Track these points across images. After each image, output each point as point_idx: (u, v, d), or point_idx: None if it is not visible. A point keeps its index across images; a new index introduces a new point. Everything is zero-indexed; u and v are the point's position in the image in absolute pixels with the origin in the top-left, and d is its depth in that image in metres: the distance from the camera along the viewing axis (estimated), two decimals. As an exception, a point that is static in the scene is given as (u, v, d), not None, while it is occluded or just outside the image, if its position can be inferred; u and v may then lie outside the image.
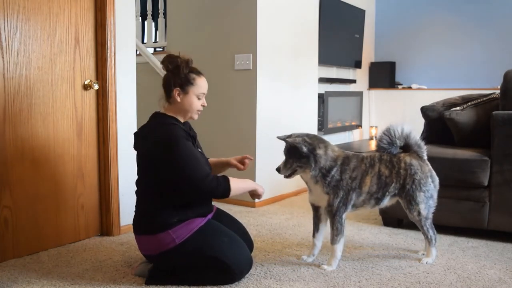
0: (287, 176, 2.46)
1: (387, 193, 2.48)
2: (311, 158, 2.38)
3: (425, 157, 2.56)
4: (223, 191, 2.21)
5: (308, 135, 2.44)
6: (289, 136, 2.45)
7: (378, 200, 2.49)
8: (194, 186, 2.18)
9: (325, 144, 2.43)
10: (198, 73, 2.32)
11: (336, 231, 2.44)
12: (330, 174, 2.40)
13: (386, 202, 2.53)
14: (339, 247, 2.46)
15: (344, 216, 2.44)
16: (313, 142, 2.40)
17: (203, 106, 2.35)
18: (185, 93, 2.27)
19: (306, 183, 2.49)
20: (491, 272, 2.46)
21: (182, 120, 2.34)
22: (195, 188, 2.19)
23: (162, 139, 2.20)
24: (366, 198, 2.46)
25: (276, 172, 2.47)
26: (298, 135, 2.43)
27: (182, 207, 2.23)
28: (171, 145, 2.17)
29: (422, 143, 2.57)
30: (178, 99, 2.27)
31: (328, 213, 2.46)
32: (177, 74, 2.27)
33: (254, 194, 2.43)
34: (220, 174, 2.31)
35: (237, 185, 2.27)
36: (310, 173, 2.41)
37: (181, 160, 2.16)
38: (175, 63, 2.27)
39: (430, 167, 2.55)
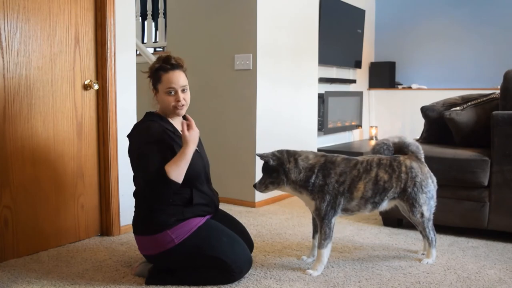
0: (262, 191, 2.48)
1: (386, 198, 2.46)
2: (280, 172, 2.39)
3: (423, 159, 2.56)
4: (167, 188, 2.13)
5: (278, 150, 2.45)
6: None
7: (376, 204, 2.46)
8: (140, 189, 2.24)
9: (296, 157, 2.41)
10: (167, 68, 2.26)
11: (324, 235, 2.40)
12: (310, 182, 2.39)
13: (385, 205, 2.51)
14: (326, 252, 2.42)
15: (333, 220, 2.41)
16: (281, 156, 2.41)
17: (178, 101, 2.25)
18: (157, 91, 2.31)
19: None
20: (491, 272, 2.46)
21: (172, 117, 2.34)
22: (142, 192, 2.24)
23: (133, 136, 2.28)
24: (360, 203, 2.43)
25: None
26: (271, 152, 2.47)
27: (178, 207, 2.23)
28: (133, 144, 2.26)
29: (419, 145, 2.57)
30: (156, 98, 2.33)
31: (317, 217, 2.43)
32: (150, 75, 2.33)
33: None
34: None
35: (177, 167, 2.14)
36: (285, 188, 2.44)
37: (134, 161, 2.25)
38: (152, 65, 2.32)
39: (428, 168, 2.55)
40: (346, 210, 2.46)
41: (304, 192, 2.42)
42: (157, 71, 2.28)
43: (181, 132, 2.31)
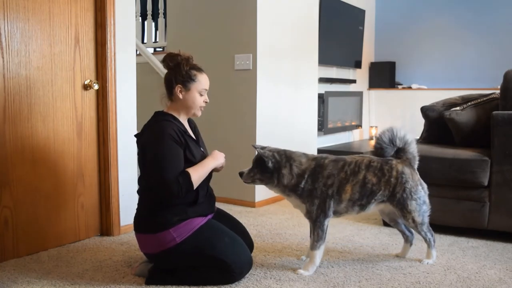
0: (247, 183, 2.46)
1: (373, 200, 2.43)
2: (274, 175, 2.38)
3: (416, 166, 2.52)
4: (186, 190, 2.18)
5: (279, 152, 2.41)
6: (263, 148, 2.45)
7: (363, 207, 2.44)
8: (158, 187, 2.18)
9: (291, 162, 2.39)
10: (199, 69, 2.34)
11: (317, 237, 2.39)
12: (299, 187, 2.37)
13: (372, 208, 2.48)
14: (319, 254, 2.40)
15: (325, 222, 2.39)
16: (280, 159, 2.38)
17: (206, 102, 2.36)
18: (187, 89, 2.29)
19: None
20: (491, 272, 2.46)
21: (185, 118, 2.36)
22: (160, 189, 2.18)
23: (150, 136, 2.23)
24: (348, 205, 2.41)
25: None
26: (270, 150, 2.42)
27: (182, 207, 2.23)
28: (152, 142, 2.20)
29: (417, 155, 2.52)
30: (180, 96, 2.29)
31: (309, 220, 2.43)
32: (178, 71, 2.28)
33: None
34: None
35: (199, 175, 2.23)
36: (273, 188, 2.43)
37: (154, 159, 2.19)
38: (176, 60, 2.29)
39: (419, 175, 2.51)
40: (335, 213, 2.43)
41: (292, 196, 2.41)
42: (191, 70, 2.29)
43: (190, 134, 2.35)
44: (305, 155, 2.47)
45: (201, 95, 2.32)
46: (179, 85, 2.28)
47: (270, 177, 2.39)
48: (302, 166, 2.40)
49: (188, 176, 2.18)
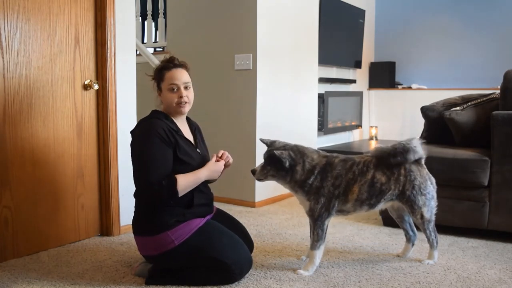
0: (259, 180, 2.46)
1: (383, 200, 2.44)
2: (288, 172, 2.38)
3: (423, 162, 2.52)
4: (168, 196, 2.15)
5: (292, 149, 2.40)
6: (273, 143, 2.44)
7: (372, 206, 2.44)
8: (140, 188, 2.19)
9: (304, 158, 2.39)
10: (169, 67, 2.29)
11: (317, 237, 2.39)
12: (307, 183, 2.37)
13: (381, 206, 2.49)
14: (318, 254, 2.41)
15: (326, 222, 2.40)
16: (296, 157, 2.37)
17: (181, 97, 2.26)
18: (160, 91, 2.32)
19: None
20: (491, 272, 2.46)
21: (178, 117, 2.34)
22: (141, 190, 2.19)
23: (137, 133, 2.26)
24: (356, 204, 2.41)
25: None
26: (283, 146, 2.40)
27: (179, 208, 2.23)
28: (139, 139, 2.22)
29: (424, 155, 2.50)
30: (161, 99, 2.33)
31: (310, 218, 2.42)
32: (155, 77, 2.34)
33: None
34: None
35: (187, 183, 2.20)
36: (284, 184, 2.44)
37: (138, 158, 2.20)
38: (157, 68, 2.34)
39: (426, 169, 2.52)
40: (341, 211, 2.44)
41: (299, 192, 2.42)
42: (160, 71, 2.30)
43: (183, 133, 2.33)
44: (316, 151, 2.47)
45: (172, 90, 2.26)
46: (157, 89, 2.33)
47: (285, 174, 2.38)
48: (314, 162, 2.40)
49: (173, 181, 2.15)
